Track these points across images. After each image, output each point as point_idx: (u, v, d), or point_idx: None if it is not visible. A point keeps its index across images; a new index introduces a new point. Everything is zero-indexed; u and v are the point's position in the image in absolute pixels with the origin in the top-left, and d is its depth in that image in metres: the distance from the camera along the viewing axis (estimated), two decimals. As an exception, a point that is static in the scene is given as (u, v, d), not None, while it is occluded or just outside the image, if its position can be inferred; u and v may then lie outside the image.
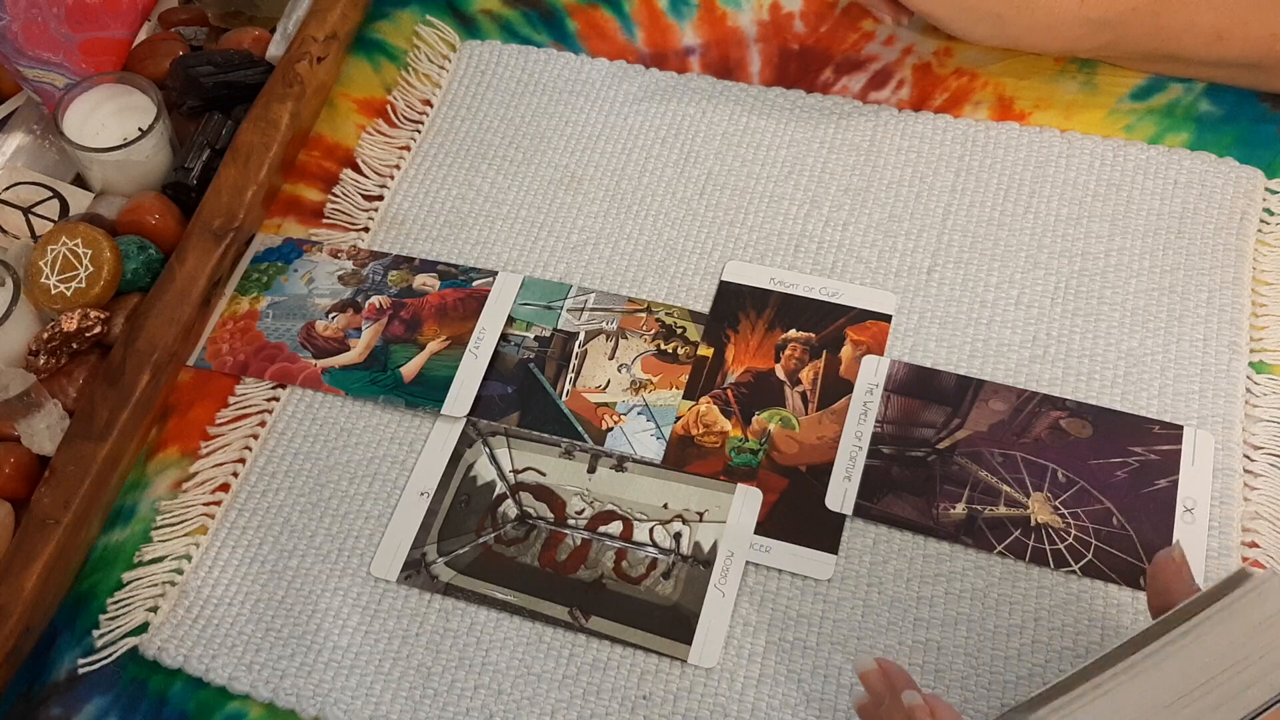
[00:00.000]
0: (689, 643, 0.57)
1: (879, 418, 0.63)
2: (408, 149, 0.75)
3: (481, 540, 0.61)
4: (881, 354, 0.64)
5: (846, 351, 0.65)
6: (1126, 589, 0.57)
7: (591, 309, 0.68)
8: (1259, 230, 0.66)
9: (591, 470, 0.63)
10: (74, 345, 0.66)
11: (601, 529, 0.61)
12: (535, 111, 0.76)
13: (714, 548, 0.60)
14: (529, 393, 0.66)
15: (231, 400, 0.68)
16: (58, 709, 0.59)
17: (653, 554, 0.60)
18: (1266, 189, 0.68)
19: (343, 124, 0.77)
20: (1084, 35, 0.67)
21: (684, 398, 0.65)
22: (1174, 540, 0.58)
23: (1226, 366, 0.62)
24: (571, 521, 0.61)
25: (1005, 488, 0.60)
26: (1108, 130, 0.70)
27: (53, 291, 0.66)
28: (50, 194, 0.72)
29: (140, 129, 0.71)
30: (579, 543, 0.61)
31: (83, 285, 0.66)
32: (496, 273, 0.70)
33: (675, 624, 0.58)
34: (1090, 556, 0.58)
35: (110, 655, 0.60)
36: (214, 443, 0.66)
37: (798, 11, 0.77)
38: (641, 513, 0.61)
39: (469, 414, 0.65)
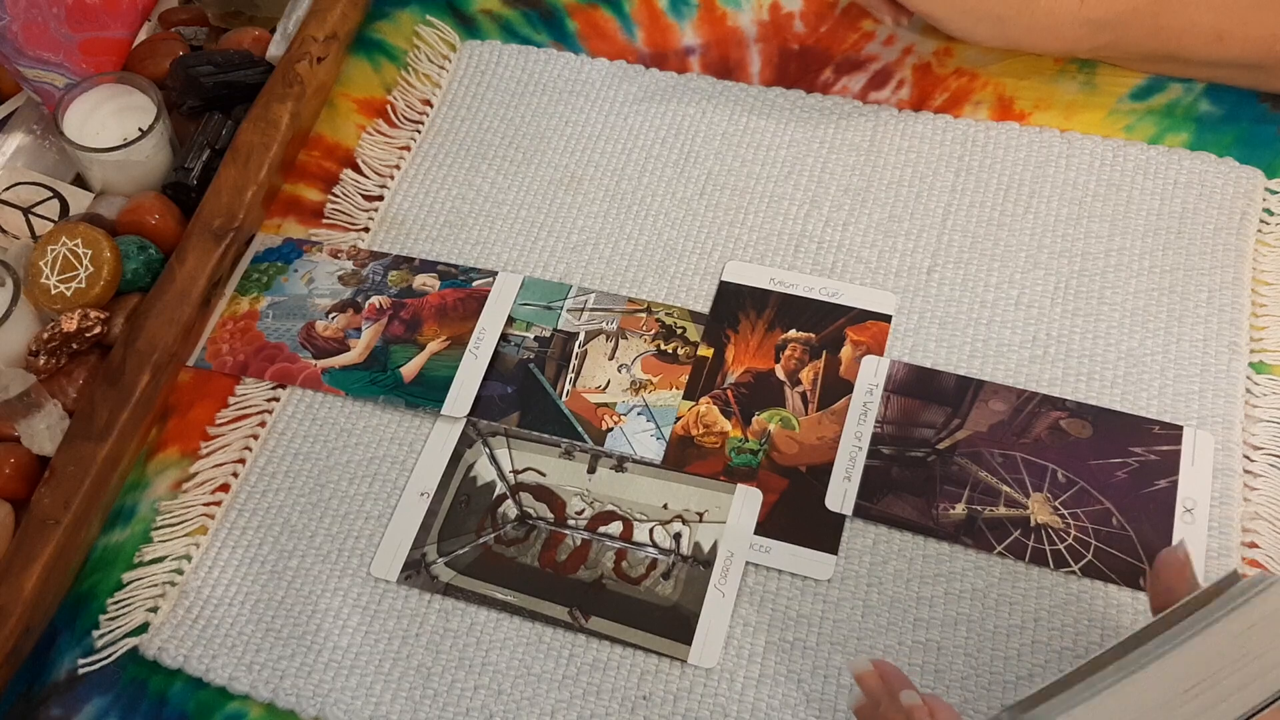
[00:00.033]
0: (689, 643, 0.57)
1: (879, 418, 0.63)
2: (408, 149, 0.75)
3: (481, 540, 0.61)
4: (881, 354, 0.64)
5: (846, 352, 0.65)
6: (1126, 589, 0.57)
7: (591, 309, 0.68)
8: (1259, 230, 0.66)
9: (591, 470, 0.63)
10: (74, 345, 0.66)
11: (601, 529, 0.61)
12: (535, 111, 0.76)
13: (714, 548, 0.60)
14: (529, 393, 0.66)
15: (231, 400, 0.68)
16: (58, 709, 0.59)
17: (653, 554, 0.60)
18: (1266, 189, 0.68)
19: (343, 124, 0.77)
20: (1084, 36, 0.67)
21: (684, 398, 0.65)
22: (1174, 540, 0.57)
23: (1226, 367, 0.62)
24: (571, 522, 0.61)
25: (1005, 488, 0.60)
26: (1108, 130, 0.70)
27: (53, 292, 0.66)
28: (50, 194, 0.72)
29: (140, 129, 0.71)
30: (579, 543, 0.61)
31: (83, 285, 0.66)
32: (496, 273, 0.70)
33: (675, 624, 0.58)
34: (1090, 557, 0.58)
35: (110, 655, 0.60)
36: (214, 443, 0.66)
37: (798, 11, 0.77)
38: (641, 513, 0.61)
39: (469, 414, 0.65)
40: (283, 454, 0.65)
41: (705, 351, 0.66)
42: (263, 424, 0.66)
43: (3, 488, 0.62)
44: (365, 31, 0.80)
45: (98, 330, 0.66)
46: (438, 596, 0.60)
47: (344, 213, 0.74)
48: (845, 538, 0.60)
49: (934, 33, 0.74)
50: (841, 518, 0.60)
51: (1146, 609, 0.57)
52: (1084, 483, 0.59)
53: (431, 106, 0.77)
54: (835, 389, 0.64)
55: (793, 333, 0.66)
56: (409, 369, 0.67)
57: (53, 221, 0.71)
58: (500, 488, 0.63)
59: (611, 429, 0.64)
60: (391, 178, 0.74)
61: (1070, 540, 0.58)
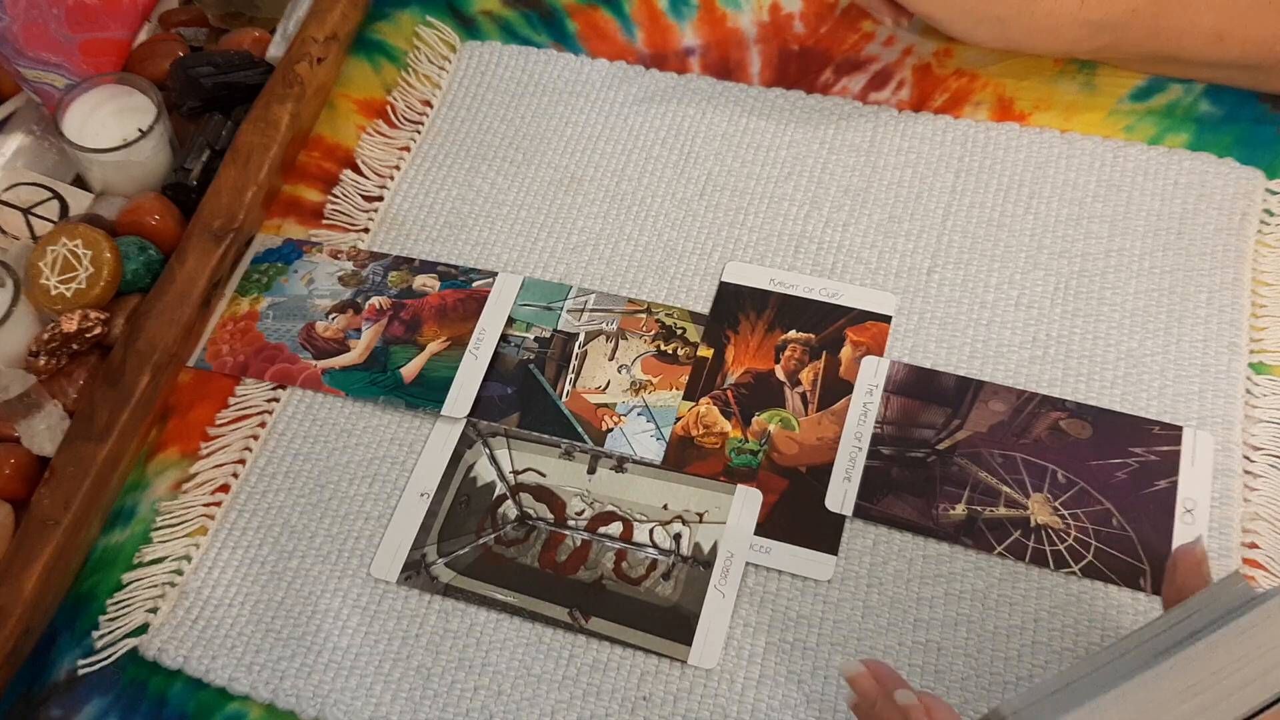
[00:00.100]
0: (689, 644, 0.57)
1: (879, 419, 0.63)
2: (408, 150, 0.76)
3: (481, 541, 0.61)
4: (881, 355, 0.64)
5: (846, 352, 0.65)
6: (1126, 590, 0.57)
7: (591, 310, 0.68)
8: (1259, 231, 0.66)
9: (591, 471, 0.63)
10: (74, 346, 0.66)
11: (601, 530, 0.61)
12: (535, 112, 0.76)
13: (714, 549, 0.60)
14: (529, 393, 0.66)
15: (231, 401, 0.68)
16: (58, 710, 0.59)
17: (653, 555, 0.60)
18: (1266, 190, 0.68)
19: (343, 125, 0.77)
20: (1084, 37, 0.67)
21: (684, 399, 0.65)
22: (1174, 541, 0.57)
23: (1226, 367, 0.62)
24: (571, 522, 0.61)
25: (1005, 488, 0.60)
26: (1108, 131, 0.71)
27: (53, 292, 0.66)
28: (50, 195, 0.72)
29: (140, 130, 0.71)
30: (579, 544, 0.61)
31: (83, 286, 0.66)
32: (496, 273, 0.70)
33: (675, 625, 0.58)
34: (1090, 557, 0.58)
35: (110, 656, 0.60)
36: (214, 444, 0.66)
37: (797, 12, 0.77)
38: (641, 514, 0.61)
39: (469, 415, 0.65)
40: (283, 454, 0.65)
41: (705, 352, 0.66)
42: (263, 425, 0.66)
43: (3, 488, 0.62)
44: (365, 32, 0.80)
45: (98, 331, 0.66)
46: (438, 597, 0.60)
47: (344, 213, 0.74)
48: (845, 538, 0.60)
49: (934, 34, 0.74)
50: (841, 518, 0.60)
51: (1147, 609, 0.57)
52: (1084, 483, 0.59)
53: (431, 107, 0.77)
54: (835, 389, 0.64)
55: (793, 333, 0.66)
56: (409, 369, 0.67)
57: (53, 222, 0.71)
58: (500, 488, 0.63)
59: (611, 429, 0.64)
60: (391, 178, 0.74)
61: (1070, 541, 0.58)
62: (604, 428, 0.64)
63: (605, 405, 0.65)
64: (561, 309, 0.68)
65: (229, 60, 0.74)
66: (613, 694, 0.57)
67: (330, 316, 0.69)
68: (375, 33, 0.80)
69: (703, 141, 0.73)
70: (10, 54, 0.73)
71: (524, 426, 0.65)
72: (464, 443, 0.64)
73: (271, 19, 0.79)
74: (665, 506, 0.61)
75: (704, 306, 0.67)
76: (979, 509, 0.59)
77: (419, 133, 0.76)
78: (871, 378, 0.64)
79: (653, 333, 0.67)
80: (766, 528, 0.60)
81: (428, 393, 0.66)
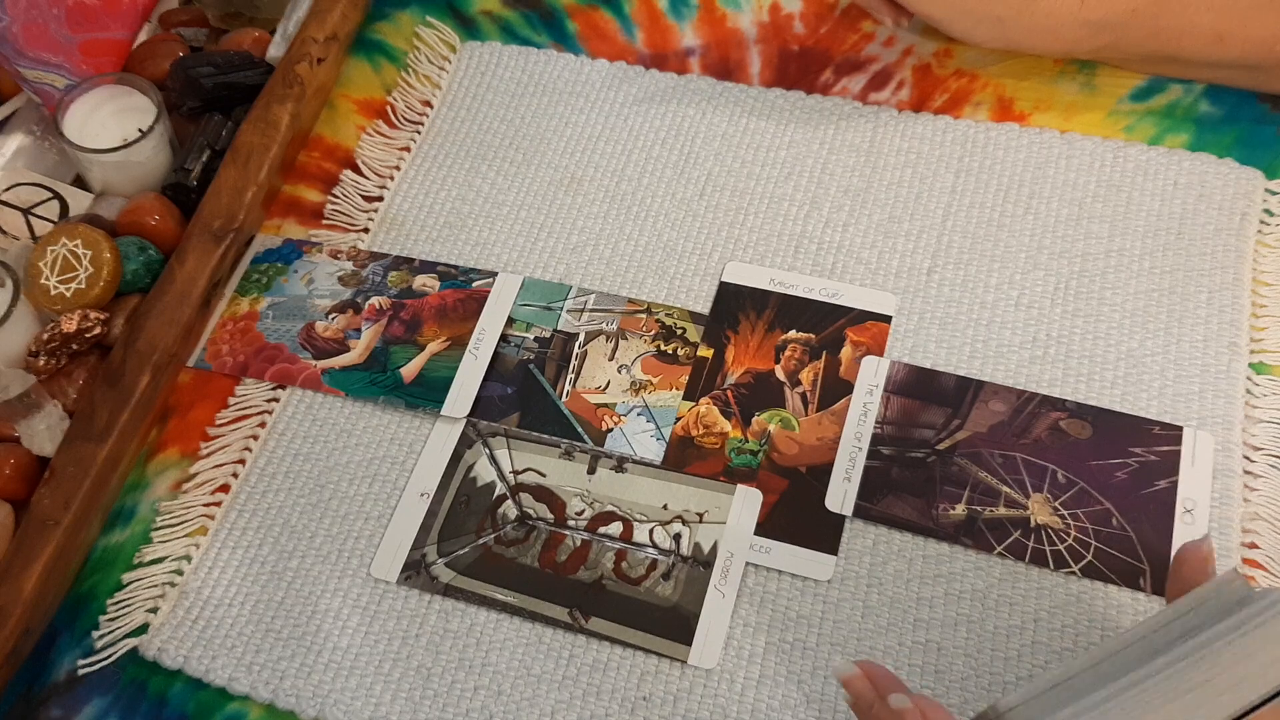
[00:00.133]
0: (689, 644, 0.57)
1: (879, 419, 0.63)
2: (408, 150, 0.76)
3: (481, 541, 0.61)
4: (881, 355, 0.64)
5: (846, 352, 0.65)
6: (1126, 590, 0.57)
7: (591, 310, 0.68)
8: (1259, 231, 0.66)
9: (591, 471, 0.63)
10: (74, 346, 0.66)
11: (601, 530, 0.61)
12: (535, 113, 0.76)
13: (714, 549, 0.60)
14: (529, 393, 0.66)
15: (231, 401, 0.68)
16: (58, 710, 0.59)
17: (653, 555, 0.60)
18: (1266, 190, 0.68)
19: (343, 125, 0.77)
20: (1084, 37, 0.67)
21: (684, 399, 0.65)
22: (1174, 541, 0.57)
23: (1226, 367, 0.62)
24: (571, 522, 0.61)
25: (1005, 489, 0.60)
26: (1107, 131, 0.71)
27: (52, 292, 0.66)
28: (50, 195, 0.72)
29: (140, 130, 0.71)
30: (579, 544, 0.61)
31: (82, 286, 0.66)
32: (496, 274, 0.70)
33: (675, 625, 0.58)
34: (1090, 557, 0.58)
35: (110, 656, 0.60)
36: (214, 444, 0.66)
37: (797, 13, 0.77)
38: (641, 514, 0.61)
39: (469, 415, 0.65)
40: (283, 455, 0.65)
41: (705, 352, 0.66)
42: (263, 425, 0.66)
43: (3, 488, 0.62)
44: (365, 33, 0.80)
45: (98, 331, 0.66)
46: (438, 597, 0.60)
47: (344, 213, 0.74)
48: (845, 538, 0.60)
49: (934, 34, 0.74)
50: (841, 518, 0.60)
51: (1147, 609, 0.57)
52: (1084, 483, 0.59)
53: (431, 107, 0.77)
54: (835, 389, 0.64)
55: (793, 333, 0.66)
56: (409, 370, 0.67)
57: (53, 222, 0.71)
58: (500, 488, 0.63)
59: (611, 429, 0.64)
60: (391, 178, 0.74)
61: (1070, 541, 0.58)
62: (604, 428, 0.64)
63: (605, 405, 0.65)
64: (561, 309, 0.68)
65: (229, 60, 0.75)
66: (613, 694, 0.57)
67: (330, 316, 0.69)
68: (375, 33, 0.80)
69: (703, 141, 0.73)
70: (10, 54, 0.73)
71: (524, 426, 0.65)
72: (464, 443, 0.64)
73: (271, 19, 0.79)
74: (665, 506, 0.61)
75: (704, 306, 0.67)
76: (979, 509, 0.59)
77: (419, 133, 0.76)
78: (871, 378, 0.64)
79: (653, 333, 0.67)
80: (766, 528, 0.60)
81: (428, 393, 0.66)
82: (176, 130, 0.74)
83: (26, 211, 0.71)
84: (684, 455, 0.63)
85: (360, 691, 0.58)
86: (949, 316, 0.65)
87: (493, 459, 0.64)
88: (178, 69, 0.74)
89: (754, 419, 0.63)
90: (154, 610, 0.61)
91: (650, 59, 0.77)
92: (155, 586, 0.62)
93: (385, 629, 0.60)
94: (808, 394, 0.64)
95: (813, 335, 0.66)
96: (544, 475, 0.63)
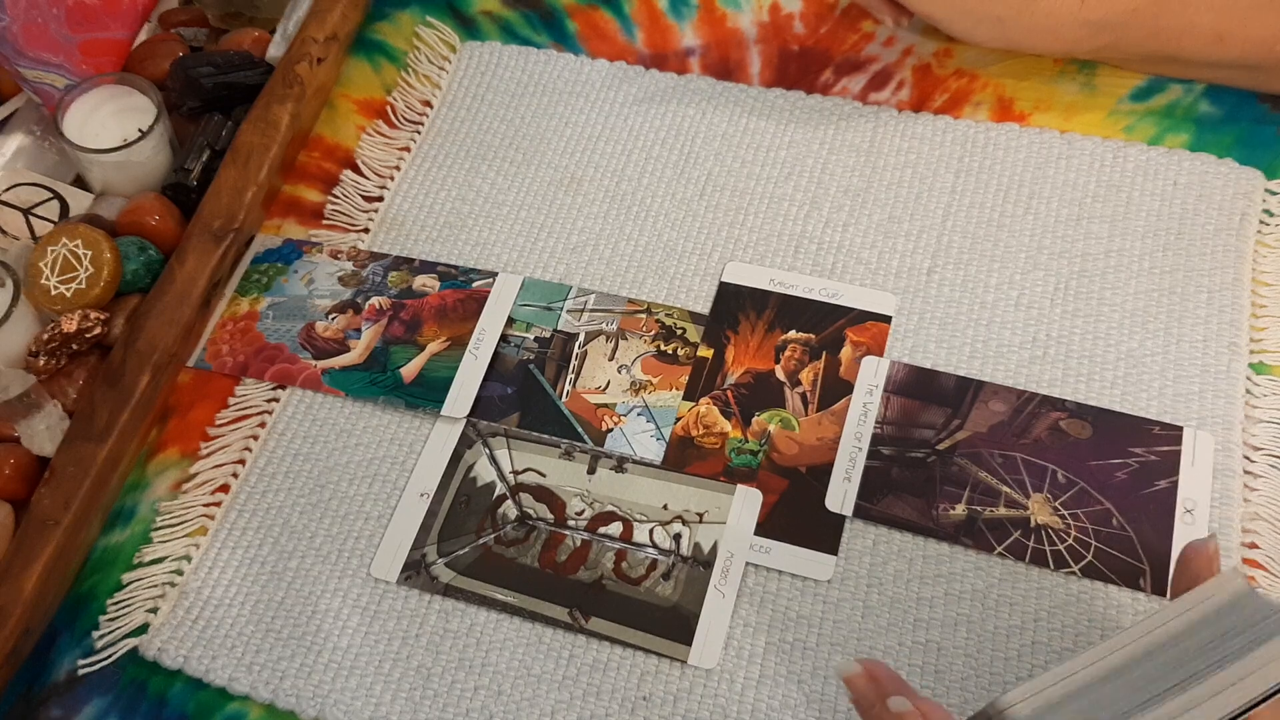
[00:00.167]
0: (689, 644, 0.57)
1: (879, 419, 0.63)
2: (408, 150, 0.76)
3: (481, 541, 0.61)
4: (881, 355, 0.64)
5: (846, 352, 0.65)
6: (1126, 590, 0.57)
7: (591, 310, 0.68)
8: (1259, 231, 0.66)
9: (591, 471, 0.63)
10: (74, 346, 0.66)
11: (601, 530, 0.61)
12: (535, 113, 0.76)
13: (714, 549, 0.60)
14: (529, 394, 0.66)
15: (231, 401, 0.68)
16: (58, 710, 0.59)
17: (653, 555, 0.60)
18: (1266, 190, 0.68)
19: (343, 125, 0.77)
20: (1084, 37, 0.67)
21: (684, 399, 0.65)
22: (1174, 541, 0.57)
23: (1226, 367, 0.62)
24: (571, 522, 0.61)
25: (1005, 489, 0.60)
26: (1107, 131, 0.71)
27: (53, 292, 0.66)
28: (50, 195, 0.72)
29: (140, 130, 0.71)
30: (579, 544, 0.61)
31: (83, 286, 0.66)
32: (496, 274, 0.70)
33: (675, 625, 0.58)
34: (1090, 557, 0.58)
35: (110, 656, 0.60)
36: (214, 444, 0.66)
37: (797, 13, 0.77)
38: (641, 514, 0.61)
39: (469, 415, 0.65)
40: (283, 455, 0.65)
41: (705, 352, 0.66)
42: (263, 425, 0.66)
43: (3, 488, 0.62)
44: (365, 32, 0.80)
45: (98, 331, 0.66)
46: (438, 597, 0.60)
47: (344, 214, 0.74)
48: (845, 538, 0.60)
49: (934, 34, 0.74)
50: (841, 518, 0.60)
51: (1147, 609, 0.57)
52: (1084, 483, 0.59)
53: (431, 107, 0.77)
54: (835, 390, 0.64)
55: (792, 333, 0.66)
56: (409, 370, 0.67)
57: (53, 222, 0.71)
58: (500, 488, 0.63)
59: (611, 430, 0.64)
60: (391, 179, 0.74)
61: (1070, 541, 0.58)
62: (604, 428, 0.64)
63: (605, 405, 0.65)
64: (561, 309, 0.68)
65: (229, 60, 0.74)
66: (613, 694, 0.57)
67: (330, 316, 0.69)
68: (375, 33, 0.80)
69: (703, 141, 0.73)
70: (10, 54, 0.73)
71: (524, 426, 0.65)
72: (464, 443, 0.64)
73: (271, 19, 0.79)
74: (665, 506, 0.61)
75: (704, 306, 0.67)
76: (979, 509, 0.59)
77: (419, 133, 0.76)
78: (871, 378, 0.64)
79: (653, 333, 0.67)
80: (766, 528, 0.60)
81: (428, 393, 0.66)
82: (176, 130, 0.74)
83: (26, 211, 0.71)
84: (684, 455, 0.63)
85: (360, 691, 0.58)
86: (949, 316, 0.65)
87: (493, 459, 0.64)
88: (178, 69, 0.74)
89: (754, 419, 0.63)
90: (154, 610, 0.61)
91: (650, 59, 0.77)
92: (155, 586, 0.62)
93: (385, 629, 0.60)
94: (808, 394, 0.64)
95: (813, 335, 0.66)
96: (544, 475, 0.63)
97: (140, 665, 0.60)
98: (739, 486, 0.61)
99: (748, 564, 0.59)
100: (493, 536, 0.61)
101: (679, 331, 0.67)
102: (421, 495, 0.63)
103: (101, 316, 0.66)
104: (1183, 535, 0.58)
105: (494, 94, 0.77)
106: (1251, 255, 0.66)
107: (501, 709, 0.57)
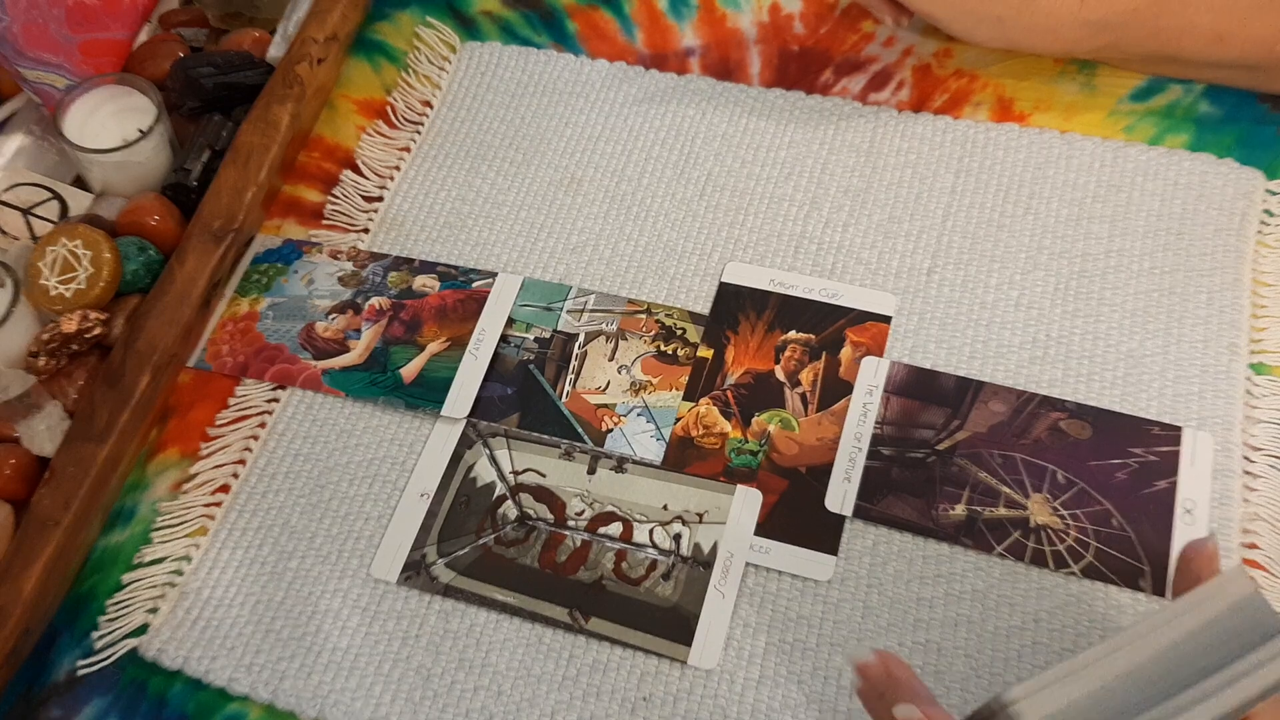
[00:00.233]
0: (689, 644, 0.57)
1: (879, 419, 0.63)
2: (408, 150, 0.76)
3: (481, 541, 0.61)
4: (881, 355, 0.64)
5: (846, 353, 0.65)
6: (1126, 590, 0.57)
7: (591, 310, 0.68)
8: (1259, 232, 0.66)
9: (591, 471, 0.63)
10: (74, 346, 0.66)
11: (601, 530, 0.61)
12: (535, 113, 0.76)
13: (714, 549, 0.60)
14: (529, 394, 0.66)
15: (231, 401, 0.68)
16: (57, 710, 0.59)
17: (653, 555, 0.60)
18: (1266, 190, 0.68)
19: (343, 125, 0.77)
20: (1084, 37, 0.67)
21: (684, 399, 0.65)
22: (1173, 541, 0.57)
23: (1226, 368, 0.62)
24: (571, 523, 0.61)
25: (1005, 489, 0.60)
26: (1107, 131, 0.71)
27: (52, 293, 0.66)
28: (50, 195, 0.72)
29: (140, 130, 0.71)
30: (579, 544, 0.61)
31: (82, 286, 0.66)
32: (496, 274, 0.70)
33: (675, 625, 0.58)
34: (1090, 558, 0.58)
35: (110, 656, 0.60)
36: (214, 444, 0.66)
37: (797, 13, 0.77)
38: (641, 514, 0.61)
39: (469, 415, 0.65)
40: (283, 455, 0.65)
41: (705, 353, 0.66)
42: (263, 425, 0.66)
43: (3, 488, 0.62)
44: (365, 33, 0.80)
45: (97, 331, 0.66)
46: (438, 597, 0.60)
47: (344, 214, 0.74)
48: (845, 539, 0.60)
49: (934, 34, 0.74)
50: (841, 519, 0.60)
51: (1146, 609, 0.57)
52: (1084, 483, 0.59)
53: (431, 108, 0.77)
54: (835, 390, 0.64)
55: (792, 334, 0.66)
56: (409, 370, 0.67)
57: (52, 223, 0.71)
58: (500, 489, 0.63)
59: (611, 430, 0.64)
60: (391, 179, 0.74)
61: (1070, 541, 0.58)
62: (604, 428, 0.64)
63: (605, 405, 0.65)
64: (561, 309, 0.68)
65: (229, 61, 0.75)
66: (613, 694, 0.57)
67: (330, 317, 0.69)
68: (375, 33, 0.80)
69: (703, 141, 0.73)
70: (10, 54, 0.73)
71: (524, 427, 0.65)
72: (464, 443, 0.64)
73: (271, 19, 0.79)
74: (665, 507, 0.61)
75: (704, 307, 0.67)
76: (979, 509, 0.59)
77: (419, 133, 0.76)
78: (871, 378, 0.64)
79: (653, 333, 0.67)
80: (766, 528, 0.60)
81: (428, 393, 0.66)
82: (176, 130, 0.74)
83: (26, 212, 0.71)
84: (684, 456, 0.63)
85: (360, 692, 0.58)
86: (949, 317, 0.65)
87: (493, 459, 0.64)
88: (178, 69, 0.74)
89: (754, 419, 0.63)
90: (154, 610, 0.61)
91: (650, 59, 0.77)
92: (155, 587, 0.62)
93: (385, 629, 0.60)
94: (807, 394, 0.64)
95: (812, 335, 0.66)
96: (544, 475, 0.63)
97: (140, 665, 0.60)
98: (739, 487, 0.61)
99: (748, 564, 0.59)
100: (493, 537, 0.61)
101: (679, 332, 0.67)
102: (421, 495, 0.63)
103: (101, 317, 0.66)
104: (1182, 535, 0.58)
105: (494, 94, 0.77)
106: (1251, 255, 0.66)
107: (501, 709, 0.57)
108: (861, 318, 0.66)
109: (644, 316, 0.67)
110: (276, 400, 0.67)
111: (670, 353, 0.66)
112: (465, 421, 0.65)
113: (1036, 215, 0.68)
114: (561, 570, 0.60)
